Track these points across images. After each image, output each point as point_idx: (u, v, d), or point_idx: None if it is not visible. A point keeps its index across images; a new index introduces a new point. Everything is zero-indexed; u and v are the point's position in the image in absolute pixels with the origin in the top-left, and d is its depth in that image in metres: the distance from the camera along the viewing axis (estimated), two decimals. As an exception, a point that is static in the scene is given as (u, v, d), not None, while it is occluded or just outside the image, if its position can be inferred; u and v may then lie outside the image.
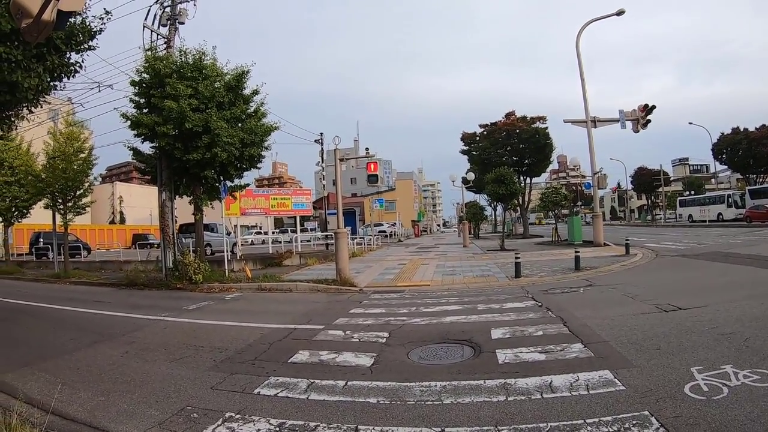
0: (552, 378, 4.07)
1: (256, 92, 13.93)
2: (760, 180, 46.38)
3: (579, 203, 53.84)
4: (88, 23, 7.33)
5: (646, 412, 3.26)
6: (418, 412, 3.53)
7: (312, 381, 4.31)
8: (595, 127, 19.30)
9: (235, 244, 21.23)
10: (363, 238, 27.60)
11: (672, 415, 3.20)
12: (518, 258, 11.71)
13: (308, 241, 27.43)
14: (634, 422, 3.14)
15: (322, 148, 29.64)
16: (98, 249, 33.64)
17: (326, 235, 24.75)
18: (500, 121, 34.02)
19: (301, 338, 6.18)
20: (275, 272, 13.85)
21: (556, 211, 32.36)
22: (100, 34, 7.63)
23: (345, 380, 4.29)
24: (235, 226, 23.05)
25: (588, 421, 3.22)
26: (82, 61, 7.61)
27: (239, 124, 13.26)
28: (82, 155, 17.13)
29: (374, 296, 9.75)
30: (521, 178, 34.10)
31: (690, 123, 46.90)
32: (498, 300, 8.32)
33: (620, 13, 18.92)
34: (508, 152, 33.79)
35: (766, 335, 4.89)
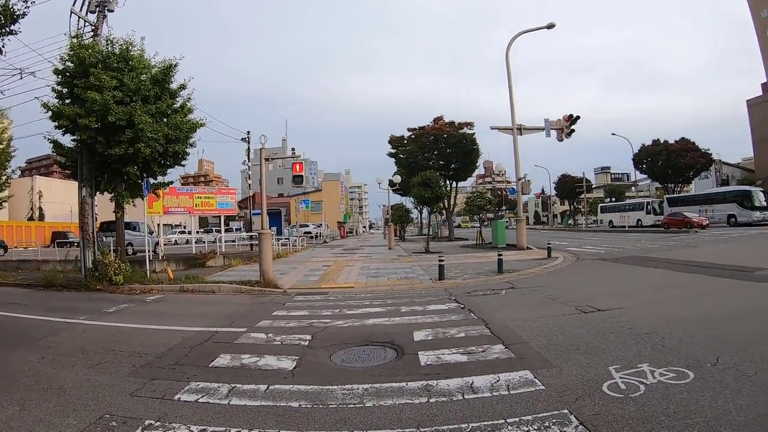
0: (473, 379, 4.77)
1: (183, 87, 15.62)
2: (678, 189, 58.08)
3: (504, 207, 60.42)
4: (10, 6, 8.19)
5: (566, 411, 3.89)
6: (340, 416, 4.05)
7: (233, 386, 4.89)
8: (521, 134, 23.70)
9: (157, 244, 23.61)
10: (288, 239, 32.45)
11: (591, 413, 3.84)
12: (442, 260, 13.80)
13: (233, 241, 31.55)
14: (553, 421, 3.73)
15: (248, 147, 33.18)
16: (15, 247, 36.71)
17: (251, 236, 28.69)
18: (428, 125, 40.68)
19: (222, 341, 6.96)
20: (198, 273, 15.74)
21: (480, 215, 36.41)
22: (23, 18, 8.61)
23: (267, 384, 4.89)
24: (158, 225, 25.93)
25: (509, 420, 3.80)
26: (3, 46, 8.71)
27: (164, 120, 14.90)
28: (0, 146, 18.72)
29: (298, 298, 11.19)
30: (447, 182, 40.41)
31: (613, 134, 59.22)
32: (421, 302, 9.70)
33: (551, 26, 22.93)
34: (435, 156, 40.27)
35: (681, 335, 6.09)
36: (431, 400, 4.28)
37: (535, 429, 3.61)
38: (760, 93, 68.32)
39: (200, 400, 4.53)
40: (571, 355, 5.49)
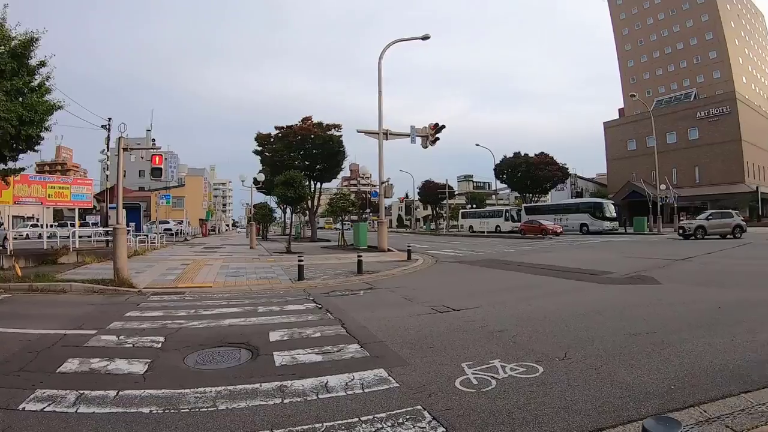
0: (328, 378, 4.88)
1: (43, 64, 14.65)
2: (535, 199, 64.67)
3: (368, 210, 62.41)
4: None
5: (419, 407, 4.06)
6: (192, 420, 4.01)
7: (81, 392, 4.70)
8: (387, 139, 24.83)
9: (5, 238, 23.02)
10: (147, 235, 32.20)
11: (444, 408, 4.04)
12: (302, 261, 14.20)
13: (89, 236, 30.55)
14: (407, 417, 3.89)
15: (108, 135, 32.04)
16: None
17: (107, 231, 28.20)
18: (296, 124, 41.08)
19: (71, 345, 6.69)
20: (49, 271, 15.06)
21: (343, 217, 38.88)
22: None
23: (117, 390, 4.74)
24: (8, 216, 25.48)
25: (363, 418, 3.90)
26: None
27: (20, 99, 13.96)
28: None
29: (153, 298, 11.03)
30: (312, 182, 41.81)
31: (477, 144, 64.70)
32: (279, 302, 9.89)
33: (425, 37, 24.53)
34: (301, 156, 41.11)
35: (531, 332, 6.63)
36: (285, 401, 4.31)
37: (389, 426, 3.72)
38: (617, 117, 79.60)
39: (46, 409, 4.27)
40: (425, 353, 5.74)
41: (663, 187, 44.89)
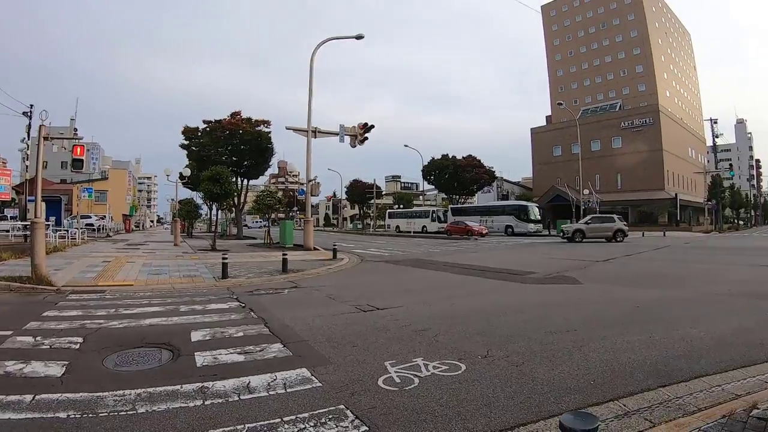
0: (250, 379, 4.87)
1: None
2: (462, 200, 66.74)
3: (295, 208, 62.07)
4: None
5: (342, 406, 4.11)
6: (111, 425, 3.93)
7: None
8: (315, 137, 25.21)
9: None
10: (68, 230, 31.00)
11: (367, 407, 4.10)
12: (226, 258, 14.18)
13: (7, 231, 30.17)
14: (330, 417, 3.93)
15: (29, 123, 31.93)
16: None
17: (26, 225, 27.63)
18: (225, 119, 40.98)
19: None
20: None
21: (270, 214, 37.27)
22: None
23: (33, 394, 4.59)
24: None
25: (285, 419, 3.92)
26: None
27: None
28: None
29: (72, 297, 10.72)
30: (239, 179, 42.11)
31: (406, 146, 66.19)
32: (202, 301, 9.82)
33: (359, 37, 25.13)
34: (229, 152, 41.05)
35: (454, 331, 6.82)
36: (207, 403, 4.28)
37: (311, 426, 3.75)
38: (545, 123, 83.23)
39: (-41, 417, 4.07)
40: (348, 351, 5.81)
41: (586, 191, 47.14)
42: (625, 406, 4.03)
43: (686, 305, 8.84)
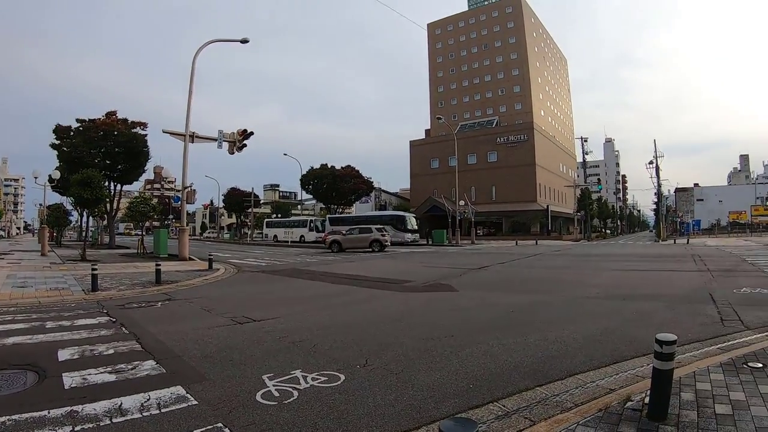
0: (122, 400, 4.63)
1: None
2: (340, 210, 67.65)
3: (170, 216, 59.35)
4: None
5: (220, 424, 4.01)
6: None
7: None
8: (193, 142, 24.47)
9: None
10: None
11: (245, 423, 4.02)
12: (95, 270, 13.50)
13: None
14: None
15: None
16: None
17: None
18: (100, 118, 38.86)
19: None
20: None
21: (144, 222, 37.30)
22: None
23: None
24: None
25: None
26: None
27: None
28: None
29: None
30: (112, 183, 40.09)
31: (285, 154, 65.19)
32: (70, 317, 9.32)
33: (244, 41, 25.14)
34: (102, 154, 38.93)
35: (332, 341, 6.83)
36: (76, 429, 4.00)
37: None
38: (424, 137, 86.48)
39: None
40: (224, 366, 5.66)
41: (462, 203, 49.12)
42: (504, 406, 4.20)
43: (558, 308, 9.46)
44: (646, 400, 3.95)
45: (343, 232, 35.04)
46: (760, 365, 4.99)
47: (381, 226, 37.05)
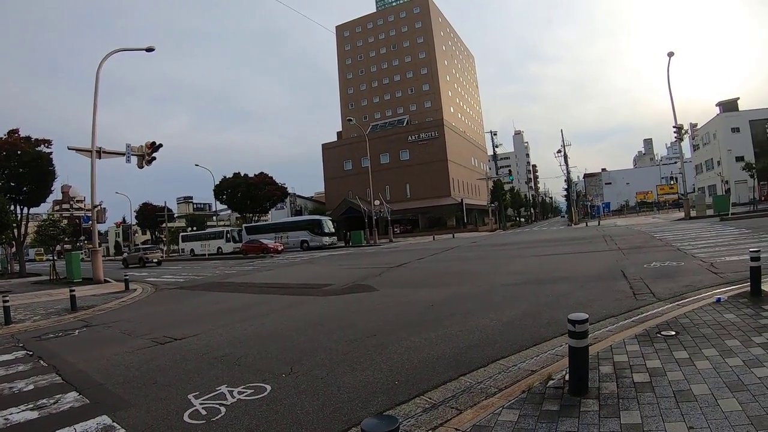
0: None
1: None
2: (256, 218, 67.09)
3: (83, 237, 56.23)
4: None
5: None
6: None
7: None
8: (100, 158, 23.69)
9: None
10: None
11: None
12: (7, 301, 13.01)
13: None
14: None
15: None
16: None
17: None
18: (1, 138, 36.66)
19: None
20: None
21: (55, 246, 33.94)
22: None
23: None
24: None
25: None
26: None
27: None
28: None
29: None
30: (18, 207, 37.86)
31: (197, 165, 63.55)
32: None
33: (150, 49, 24.43)
34: (6, 176, 36.57)
35: (255, 353, 6.85)
36: None
37: None
38: (336, 139, 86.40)
39: None
40: (149, 390, 5.58)
41: (377, 202, 49.68)
42: (431, 399, 4.34)
43: (477, 298, 9.78)
44: (567, 377, 4.16)
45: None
46: (673, 333, 5.37)
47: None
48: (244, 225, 57.93)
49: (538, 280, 11.65)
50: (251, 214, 65.20)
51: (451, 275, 14.81)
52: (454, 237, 45.67)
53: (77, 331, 10.74)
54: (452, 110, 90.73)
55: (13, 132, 36.96)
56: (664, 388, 3.85)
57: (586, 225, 48.86)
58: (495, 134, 76.74)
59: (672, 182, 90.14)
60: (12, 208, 34.22)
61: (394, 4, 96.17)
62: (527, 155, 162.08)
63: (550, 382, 4.28)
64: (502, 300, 9.35)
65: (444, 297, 10.28)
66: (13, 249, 46.64)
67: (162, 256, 45.77)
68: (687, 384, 3.88)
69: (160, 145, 24.41)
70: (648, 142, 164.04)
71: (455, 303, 9.41)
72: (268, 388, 5.07)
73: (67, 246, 64.03)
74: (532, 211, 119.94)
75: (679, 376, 4.09)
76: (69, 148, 23.30)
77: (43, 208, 53.72)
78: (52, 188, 40.05)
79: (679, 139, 39.20)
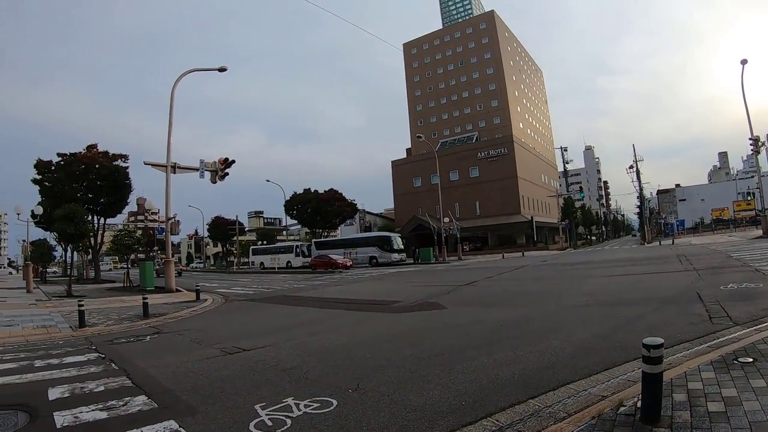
0: None
1: None
2: (326, 234, 68.40)
3: (155, 248, 59.10)
4: None
5: None
6: None
7: None
8: (175, 173, 24.48)
9: None
10: None
11: None
12: (82, 305, 13.37)
13: None
14: None
15: None
16: None
17: None
18: (81, 152, 38.97)
19: None
20: None
21: (129, 255, 35.75)
22: None
23: None
24: None
25: None
26: None
27: None
28: None
29: None
30: (96, 217, 40.11)
31: (267, 180, 63.87)
32: (59, 354, 9.25)
33: (222, 69, 25.74)
34: (85, 188, 39.27)
35: (323, 367, 6.82)
36: None
37: None
38: (405, 156, 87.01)
39: None
40: (217, 398, 5.63)
41: (446, 220, 49.45)
42: (498, 421, 4.21)
43: (547, 319, 9.49)
44: (639, 404, 3.96)
45: None
46: (751, 360, 5.03)
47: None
48: (313, 240, 58.99)
49: (609, 301, 11.26)
50: (321, 230, 66.16)
51: (520, 295, 14.49)
52: (523, 255, 44.92)
53: (148, 337, 11.06)
54: (521, 126, 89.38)
55: (91, 147, 39.25)
56: (739, 419, 3.60)
57: (660, 244, 47.07)
58: (565, 150, 74.87)
59: (749, 198, 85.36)
60: (89, 218, 35.75)
61: (460, 20, 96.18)
62: (598, 171, 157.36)
63: (621, 408, 4.08)
64: (572, 321, 9.04)
65: (513, 317, 10.06)
66: (89, 256, 49.38)
67: (181, 269, 47.19)
68: (763, 415, 3.62)
69: (233, 162, 25.14)
70: (723, 156, 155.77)
71: (524, 323, 9.19)
72: (335, 402, 5.03)
73: (141, 255, 67.02)
74: (604, 229, 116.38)
75: (755, 406, 3.81)
76: (145, 163, 24.39)
77: (119, 219, 56.80)
78: (128, 200, 42.49)
79: (756, 151, 37.14)
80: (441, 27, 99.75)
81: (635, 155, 61.03)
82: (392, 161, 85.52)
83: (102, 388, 6.40)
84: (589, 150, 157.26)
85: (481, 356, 6.60)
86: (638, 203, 69.20)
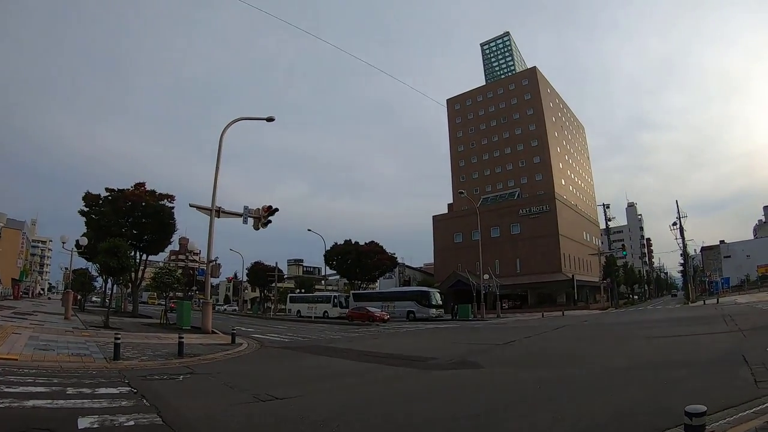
0: None
1: None
2: (364, 286, 67.82)
3: (194, 288, 59.89)
4: None
5: None
6: None
7: None
8: (219, 217, 25.17)
9: None
10: None
11: None
12: (118, 338, 13.47)
13: None
14: None
15: None
16: None
17: None
18: (128, 189, 40.54)
19: None
20: None
21: (168, 293, 36.45)
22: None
23: None
24: None
25: None
26: None
27: None
28: None
29: None
30: (138, 253, 41.41)
31: (309, 230, 65.25)
32: (91, 384, 9.28)
33: (270, 119, 26.41)
34: (130, 224, 40.49)
35: (354, 421, 6.73)
36: None
37: None
38: (446, 211, 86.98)
39: None
40: (243, 445, 5.48)
41: (486, 276, 48.82)
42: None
43: (586, 382, 9.23)
44: None
45: None
46: None
47: None
48: (352, 291, 58.84)
49: (651, 363, 10.89)
50: (359, 281, 66.04)
51: (559, 356, 14.12)
52: (563, 315, 43.69)
53: (182, 376, 11.05)
54: (563, 182, 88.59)
55: (139, 185, 40.39)
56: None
57: (704, 303, 45.49)
58: (608, 207, 73.77)
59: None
60: (132, 253, 36.30)
61: (503, 76, 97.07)
62: (641, 228, 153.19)
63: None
64: (612, 384, 8.77)
65: (552, 378, 9.77)
66: (129, 290, 50.33)
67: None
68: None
69: (276, 210, 25.57)
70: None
71: (563, 386, 8.91)
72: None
73: (179, 294, 67.83)
74: (646, 287, 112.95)
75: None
76: (191, 206, 24.91)
77: (160, 256, 58.16)
78: (171, 239, 43.47)
79: (801, 204, 35.73)
80: (484, 83, 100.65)
81: (678, 212, 59.26)
82: (433, 216, 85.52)
83: (132, 423, 6.41)
84: (631, 207, 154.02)
85: (518, 418, 6.44)
86: (682, 260, 67.02)
